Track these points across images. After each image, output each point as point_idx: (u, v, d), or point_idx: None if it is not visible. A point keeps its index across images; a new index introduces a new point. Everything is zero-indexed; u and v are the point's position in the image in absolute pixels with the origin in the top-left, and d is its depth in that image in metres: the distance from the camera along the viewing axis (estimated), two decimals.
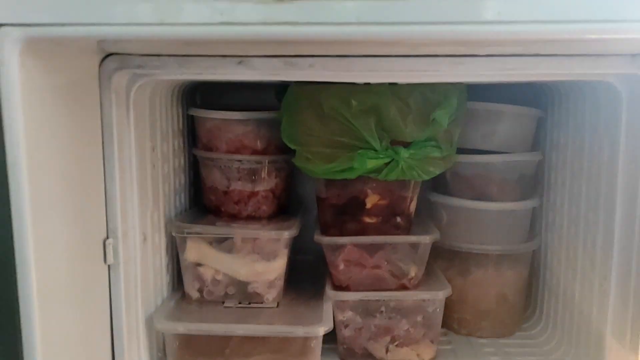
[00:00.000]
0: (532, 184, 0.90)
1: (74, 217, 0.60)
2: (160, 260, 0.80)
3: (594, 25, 0.49)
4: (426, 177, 0.77)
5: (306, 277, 0.94)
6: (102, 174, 0.66)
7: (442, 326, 0.90)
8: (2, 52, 0.49)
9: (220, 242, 0.83)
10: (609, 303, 0.70)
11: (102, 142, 0.66)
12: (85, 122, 0.63)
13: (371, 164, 0.73)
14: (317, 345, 0.76)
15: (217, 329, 0.74)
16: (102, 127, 0.65)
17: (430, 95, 0.73)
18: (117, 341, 0.68)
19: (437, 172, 0.77)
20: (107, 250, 0.66)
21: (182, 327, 0.74)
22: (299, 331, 0.73)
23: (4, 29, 0.50)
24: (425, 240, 0.81)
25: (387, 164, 0.75)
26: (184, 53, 0.63)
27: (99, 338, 0.67)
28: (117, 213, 0.67)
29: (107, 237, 0.66)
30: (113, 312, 0.68)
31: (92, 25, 0.50)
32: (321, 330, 0.74)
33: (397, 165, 0.74)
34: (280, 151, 0.87)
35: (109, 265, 0.67)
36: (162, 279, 0.81)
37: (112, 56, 0.64)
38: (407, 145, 0.74)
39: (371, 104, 0.72)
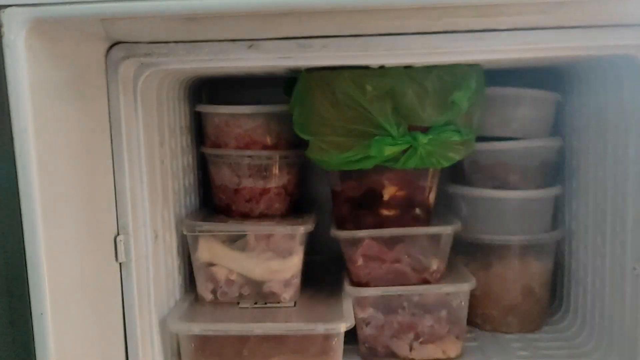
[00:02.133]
0: (554, 171, 0.87)
1: (83, 211, 0.58)
2: (172, 260, 0.77)
3: None
4: (446, 164, 0.74)
5: (323, 276, 0.90)
6: (112, 168, 0.63)
7: (467, 323, 0.87)
8: (9, 33, 0.48)
9: (233, 241, 0.80)
10: None
11: (110, 135, 0.63)
12: (93, 112, 0.61)
13: (389, 151, 0.71)
14: (339, 344, 0.72)
15: (233, 329, 0.71)
16: (109, 118, 0.63)
17: (448, 77, 0.70)
18: (131, 342, 0.65)
19: (457, 158, 0.74)
20: (118, 248, 0.63)
21: (198, 328, 0.70)
22: (320, 328, 0.70)
23: (9, 10, 0.48)
24: (447, 230, 0.78)
25: (404, 151, 0.72)
26: (192, 39, 0.61)
27: (113, 339, 0.64)
28: (127, 208, 0.64)
29: (118, 234, 0.64)
30: (126, 312, 0.65)
31: (96, 2, 0.48)
32: (343, 326, 0.70)
33: (415, 152, 0.72)
34: (292, 146, 0.85)
35: (120, 264, 0.64)
36: (174, 280, 0.78)
37: (118, 45, 0.62)
38: (425, 130, 0.72)
39: (387, 89, 0.69)
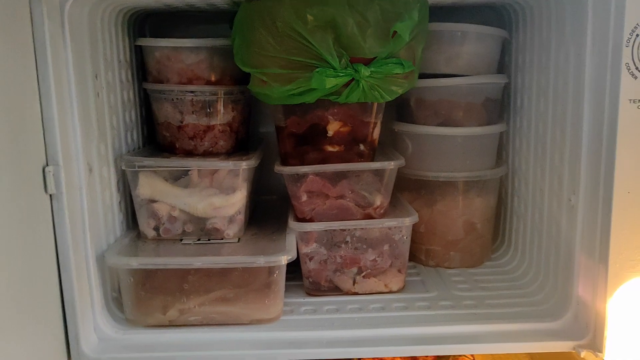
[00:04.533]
0: (499, 108, 0.88)
1: (7, 140, 0.55)
2: (110, 196, 0.75)
3: None
4: (389, 98, 0.73)
5: (269, 215, 0.90)
6: (37, 95, 0.60)
7: (410, 259, 0.88)
8: None
9: (176, 180, 0.79)
10: (578, 218, 0.68)
11: (36, 61, 0.60)
12: (16, 37, 0.57)
13: (330, 83, 0.69)
14: (281, 277, 0.73)
15: (172, 262, 0.70)
16: (34, 45, 0.60)
17: (390, 7, 0.68)
18: (65, 277, 0.64)
19: (400, 92, 0.73)
20: (47, 179, 0.61)
21: (136, 262, 0.69)
22: (261, 260, 0.70)
23: None
24: (390, 166, 0.78)
25: (347, 84, 0.71)
26: None
27: (45, 274, 0.62)
28: (56, 138, 0.62)
29: (47, 165, 0.62)
30: (59, 246, 0.64)
31: None
32: (284, 259, 0.70)
33: (357, 85, 0.70)
34: (237, 82, 0.82)
35: (50, 195, 0.62)
36: (114, 216, 0.76)
37: None
38: (367, 63, 0.70)
39: (328, 19, 0.67)
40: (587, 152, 0.67)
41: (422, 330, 0.70)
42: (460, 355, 0.80)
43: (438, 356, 0.80)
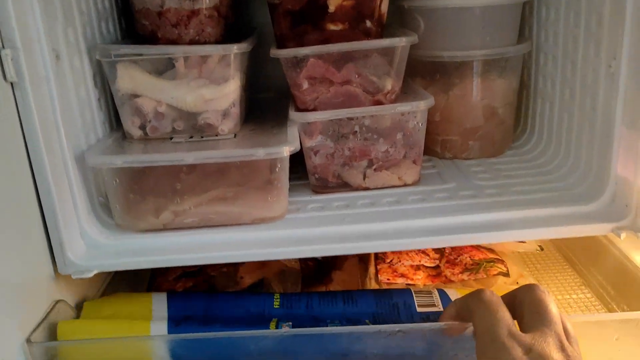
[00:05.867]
0: None
1: None
2: (86, 91, 0.67)
3: None
4: None
5: (268, 112, 0.82)
6: None
7: (425, 153, 0.80)
8: None
9: (161, 74, 0.70)
10: (620, 85, 0.59)
11: None
12: None
13: None
14: (283, 171, 0.65)
15: (162, 159, 0.62)
16: None
17: None
18: (40, 181, 0.57)
19: None
20: (4, 63, 0.53)
21: (120, 160, 0.62)
22: (260, 153, 0.62)
23: None
24: (401, 42, 0.68)
25: None
26: None
27: (18, 178, 0.55)
28: (10, 18, 0.52)
29: (3, 47, 0.53)
30: (28, 144, 0.56)
31: None
32: (285, 150, 0.63)
33: None
34: None
35: (11, 84, 0.54)
36: (93, 114, 0.68)
37: None
38: None
39: None
40: (631, 10, 0.57)
41: (443, 220, 0.63)
42: (493, 266, 0.74)
43: (468, 266, 0.74)
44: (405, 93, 0.75)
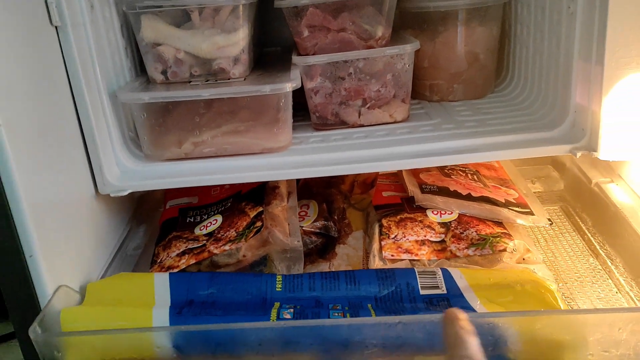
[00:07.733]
0: None
1: None
2: (115, 39, 0.77)
3: None
4: None
5: (274, 62, 0.91)
6: None
7: (415, 96, 0.90)
8: None
9: (179, 25, 0.79)
10: (576, 24, 0.68)
11: None
12: None
13: None
14: (287, 106, 0.75)
15: (182, 95, 0.73)
16: None
17: None
18: (82, 113, 0.67)
19: None
20: (50, 10, 0.63)
21: (147, 96, 0.72)
22: (266, 88, 0.72)
23: None
24: None
25: None
26: None
27: (63, 110, 0.66)
28: None
29: None
30: (71, 80, 0.66)
31: None
32: (288, 86, 0.73)
33: None
34: None
35: (56, 27, 0.64)
36: (121, 60, 0.78)
37: None
38: None
39: None
40: None
41: (426, 146, 0.73)
42: (499, 241, 0.73)
43: (474, 241, 0.73)
44: (394, 40, 0.84)
